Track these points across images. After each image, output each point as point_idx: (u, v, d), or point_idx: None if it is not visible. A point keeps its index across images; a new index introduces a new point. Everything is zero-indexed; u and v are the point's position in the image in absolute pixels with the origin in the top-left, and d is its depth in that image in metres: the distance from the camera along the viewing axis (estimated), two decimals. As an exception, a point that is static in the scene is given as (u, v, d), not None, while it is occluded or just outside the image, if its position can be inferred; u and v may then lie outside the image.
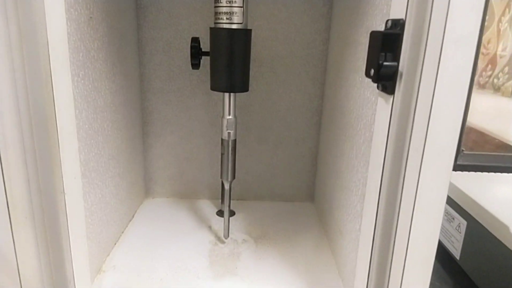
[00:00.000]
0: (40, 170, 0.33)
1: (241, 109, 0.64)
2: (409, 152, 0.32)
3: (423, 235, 0.33)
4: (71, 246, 0.38)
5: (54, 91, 0.34)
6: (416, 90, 0.31)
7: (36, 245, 0.36)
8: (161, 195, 0.70)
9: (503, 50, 1.74)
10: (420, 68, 0.30)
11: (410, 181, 0.32)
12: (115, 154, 0.53)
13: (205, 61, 0.59)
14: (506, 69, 1.70)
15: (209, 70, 0.61)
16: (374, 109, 0.38)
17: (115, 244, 0.55)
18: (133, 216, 0.63)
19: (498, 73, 1.74)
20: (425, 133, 0.31)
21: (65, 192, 0.35)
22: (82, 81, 0.41)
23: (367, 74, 0.34)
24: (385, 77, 0.32)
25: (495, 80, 1.76)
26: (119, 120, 0.54)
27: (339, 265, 0.50)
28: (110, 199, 0.51)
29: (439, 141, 0.31)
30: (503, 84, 1.72)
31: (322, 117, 0.64)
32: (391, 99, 0.33)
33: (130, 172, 0.60)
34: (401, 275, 0.35)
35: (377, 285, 0.37)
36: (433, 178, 0.32)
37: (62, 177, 0.34)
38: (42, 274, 0.38)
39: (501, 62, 1.71)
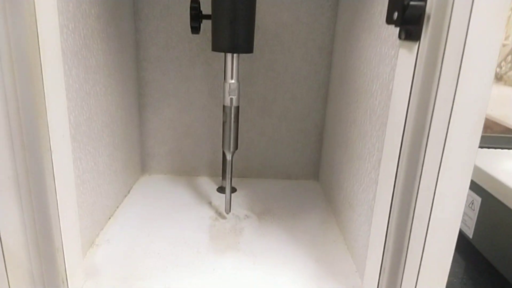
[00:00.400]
0: (24, 124, 0.30)
1: (243, 79, 0.60)
2: (435, 106, 0.29)
3: (448, 198, 0.30)
4: (60, 213, 0.34)
5: (39, 37, 0.30)
6: (445, 35, 0.27)
7: (21, 210, 0.32)
8: (158, 171, 0.66)
9: (506, 39, 1.71)
10: (450, 8, 0.27)
11: (435, 139, 0.29)
12: (109, 122, 0.49)
13: (206, 26, 0.56)
14: (509, 58, 1.67)
15: (210, 37, 0.57)
16: (394, 63, 0.34)
17: (109, 218, 0.51)
18: (128, 192, 0.59)
19: (501, 62, 1.71)
20: (455, 84, 0.28)
21: (52, 149, 0.31)
22: (72, 34, 0.37)
23: (389, 19, 0.30)
24: (411, 20, 0.28)
25: (498, 69, 1.73)
26: (113, 86, 0.50)
27: (348, 240, 0.47)
28: (104, 169, 0.48)
29: (469, 93, 0.27)
30: (505, 73, 1.69)
31: (329, 89, 0.61)
32: (416, 46, 0.29)
33: (125, 144, 0.56)
34: (422, 242, 0.32)
35: (394, 256, 0.34)
36: (461, 136, 0.28)
37: (49, 132, 0.31)
38: (28, 243, 0.35)
39: (503, 51, 1.68)
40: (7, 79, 0.28)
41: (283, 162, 0.66)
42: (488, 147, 0.99)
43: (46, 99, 0.30)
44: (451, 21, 0.27)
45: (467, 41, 0.27)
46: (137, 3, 0.57)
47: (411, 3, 0.28)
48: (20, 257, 0.34)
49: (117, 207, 0.55)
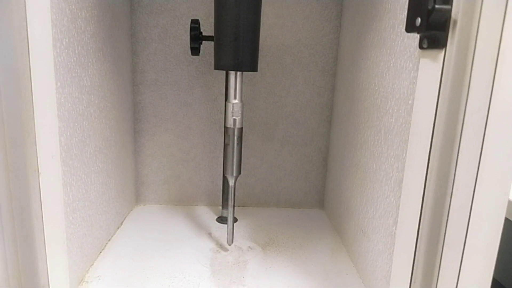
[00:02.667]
0: (8, 140, 0.26)
1: (245, 103, 0.58)
2: (465, 119, 0.26)
3: (484, 220, 0.27)
4: (47, 246, 0.30)
5: (29, 46, 0.27)
6: (474, 41, 0.25)
7: (2, 241, 0.28)
8: (154, 201, 0.62)
9: None
10: (478, 11, 0.25)
11: (468, 154, 0.26)
12: (103, 147, 0.46)
13: (206, 48, 0.54)
14: None
15: (209, 60, 0.56)
16: (413, 76, 0.32)
17: (100, 252, 0.47)
18: (121, 223, 0.55)
19: None
20: (489, 94, 0.25)
21: (39, 171, 0.28)
22: (66, 50, 0.35)
23: (410, 26, 0.28)
24: (436, 25, 0.26)
25: None
26: (108, 108, 0.47)
27: (364, 272, 0.43)
28: (95, 198, 0.44)
29: (507, 102, 0.25)
30: None
31: (333, 111, 0.59)
32: (442, 54, 0.27)
33: (119, 171, 0.53)
34: (456, 274, 0.28)
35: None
36: (498, 150, 0.26)
37: (36, 151, 0.27)
38: (9, 282, 0.30)
39: None
40: (-9, 90, 0.25)
41: (285, 189, 0.63)
42: None
43: (34, 115, 0.27)
44: (480, 25, 0.25)
45: (501, 47, 0.24)
46: (135, 25, 0.55)
47: (436, 6, 0.26)
48: (-3, 298, 0.30)
49: (109, 239, 0.50)
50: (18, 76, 0.27)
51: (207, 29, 0.55)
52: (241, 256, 0.48)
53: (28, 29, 0.28)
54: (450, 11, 0.26)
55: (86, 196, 0.41)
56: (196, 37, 0.49)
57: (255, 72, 0.56)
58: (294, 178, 0.62)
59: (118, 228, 0.54)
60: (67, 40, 0.35)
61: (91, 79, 0.41)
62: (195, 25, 0.49)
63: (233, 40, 0.41)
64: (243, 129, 0.58)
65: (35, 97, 0.28)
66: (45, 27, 0.30)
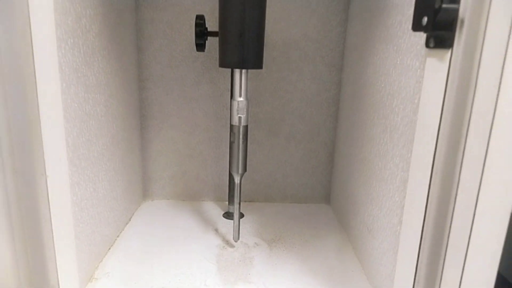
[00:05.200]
0: (16, 145, 0.26)
1: (250, 99, 0.58)
2: (471, 119, 0.26)
3: (489, 221, 0.27)
4: (55, 244, 0.31)
5: (33, 47, 0.27)
6: (481, 41, 0.25)
7: (12, 243, 0.29)
8: (161, 196, 0.63)
9: None
10: (486, 11, 0.24)
11: (474, 155, 0.26)
12: (110, 145, 0.46)
13: (211, 44, 0.54)
14: None
15: (215, 55, 0.55)
16: (419, 75, 0.32)
17: (109, 248, 0.48)
18: (129, 219, 0.56)
19: None
20: (495, 94, 0.25)
21: (47, 174, 0.28)
22: (71, 50, 0.35)
23: (417, 25, 0.28)
24: (443, 25, 0.26)
25: None
26: (114, 106, 0.47)
27: (369, 270, 0.43)
28: (103, 195, 0.45)
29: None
30: None
31: (339, 107, 0.58)
32: (449, 54, 0.27)
33: (127, 168, 0.53)
34: (459, 274, 0.28)
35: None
36: (504, 149, 0.25)
37: (44, 156, 0.28)
38: (20, 280, 0.31)
39: None
40: (-3, 95, 0.25)
41: (292, 184, 0.63)
42: None
43: (40, 118, 0.28)
44: (488, 25, 0.25)
45: (509, 48, 0.24)
46: (140, 21, 0.55)
47: (443, 5, 0.25)
48: (8, 296, 0.30)
49: (118, 236, 0.51)
50: (23, 79, 0.27)
51: (212, 24, 0.54)
52: (247, 252, 0.48)
53: (32, 31, 0.29)
54: (457, 10, 0.25)
55: (94, 194, 0.42)
56: (201, 33, 0.49)
57: (261, 69, 0.56)
58: (300, 173, 0.62)
59: (126, 224, 0.54)
60: (72, 40, 0.35)
61: (96, 78, 0.41)
62: (200, 21, 0.49)
63: (237, 38, 0.40)
64: (249, 125, 0.58)
65: (41, 100, 0.28)
66: (49, 28, 0.30)
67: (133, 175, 0.57)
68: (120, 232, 0.52)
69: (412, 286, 0.32)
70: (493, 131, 0.25)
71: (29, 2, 0.27)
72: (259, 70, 0.56)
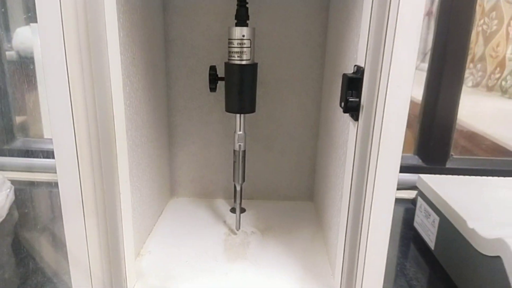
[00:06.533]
0: (105, 177, 0.46)
1: (251, 123, 0.77)
2: (370, 159, 0.44)
3: (379, 224, 0.45)
4: (124, 235, 0.51)
5: (114, 117, 0.47)
6: (373, 118, 0.43)
7: (98, 234, 0.49)
8: (184, 195, 0.83)
9: None
10: (375, 103, 0.42)
11: (370, 180, 0.44)
12: (149, 162, 0.66)
13: (221, 84, 0.72)
14: None
15: (224, 92, 0.74)
16: (348, 130, 0.50)
17: (149, 234, 0.68)
18: (161, 212, 0.76)
19: (506, 75, 1.82)
20: (378, 144, 0.43)
21: (120, 192, 0.48)
22: (129, 108, 0.54)
23: (340, 105, 0.46)
24: (351, 109, 0.44)
25: (503, 83, 1.84)
26: (152, 134, 0.67)
27: (329, 254, 0.62)
28: (145, 198, 0.65)
29: (389, 151, 0.42)
30: (510, 86, 1.80)
31: (319, 129, 0.77)
32: (357, 124, 0.45)
33: (160, 176, 0.73)
34: (362, 266, 0.47)
35: (350, 255, 0.49)
36: (386, 175, 0.43)
37: (119, 181, 0.48)
38: (102, 255, 0.51)
39: (509, 65, 1.79)
40: (94, 150, 0.45)
41: (283, 186, 0.81)
42: (471, 168, 1.12)
43: (118, 160, 0.47)
44: (376, 109, 0.42)
45: (383, 122, 0.42)
46: (168, 67, 0.74)
47: (350, 99, 0.43)
48: (95, 266, 0.50)
49: (154, 225, 0.71)
50: (108, 134, 0.47)
51: (223, 69, 0.73)
52: (246, 238, 0.67)
53: (113, 102, 0.47)
54: (359, 101, 0.43)
55: (140, 198, 0.62)
56: (213, 80, 0.67)
57: (259, 99, 0.75)
58: (290, 178, 0.81)
59: (159, 216, 0.74)
60: (129, 101, 0.54)
61: (142, 119, 0.61)
62: (212, 71, 0.67)
63: (237, 93, 0.59)
64: (250, 142, 0.77)
65: (117, 145, 0.48)
66: (119, 99, 0.49)
67: (164, 180, 0.77)
68: (156, 222, 0.72)
69: (342, 253, 0.50)
70: (378, 165, 0.43)
71: (112, 87, 0.46)
72: (258, 103, 0.75)
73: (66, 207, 0.47)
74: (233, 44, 0.58)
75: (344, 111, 0.45)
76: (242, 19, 0.57)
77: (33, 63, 1.16)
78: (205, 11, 0.71)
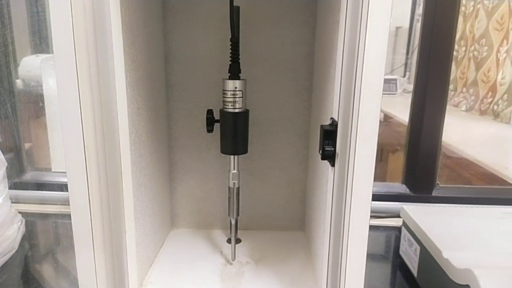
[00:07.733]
0: (112, 217, 0.52)
1: (246, 158, 0.83)
2: (346, 198, 0.50)
3: (356, 254, 0.51)
4: (128, 268, 0.57)
5: (121, 163, 0.53)
6: (347, 164, 0.49)
7: (105, 267, 0.55)
8: (184, 226, 0.89)
9: (503, 78, 1.90)
10: (348, 152, 0.49)
11: (347, 216, 0.50)
12: (151, 198, 0.72)
13: (217, 126, 0.79)
14: (506, 96, 1.86)
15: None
16: (328, 172, 0.56)
17: (151, 265, 0.73)
18: (163, 243, 0.82)
19: (498, 100, 1.89)
20: (351, 187, 0.49)
21: (126, 230, 0.54)
22: (134, 153, 0.61)
23: (319, 152, 0.52)
24: (328, 156, 0.51)
25: (495, 107, 1.91)
26: (154, 173, 0.73)
27: (317, 283, 0.68)
28: (148, 231, 0.71)
29: (360, 190, 0.48)
30: (502, 110, 1.87)
31: (308, 165, 0.83)
32: (334, 169, 0.51)
33: (161, 209, 0.79)
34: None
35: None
36: (359, 210, 0.49)
37: (125, 220, 0.54)
38: (109, 287, 0.57)
39: (501, 90, 1.87)
40: (104, 193, 0.51)
41: (276, 217, 0.87)
42: (456, 197, 1.18)
43: (124, 201, 0.53)
44: (349, 157, 0.49)
45: (355, 167, 0.48)
46: (169, 109, 0.81)
47: (326, 148, 0.50)
48: (103, 293, 0.56)
49: (156, 256, 0.77)
50: (116, 178, 0.53)
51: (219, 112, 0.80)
52: (241, 268, 0.73)
53: (121, 148, 0.54)
54: (334, 150, 0.50)
55: (143, 232, 0.68)
56: (210, 123, 0.74)
57: (253, 137, 0.81)
58: (283, 209, 0.87)
59: (160, 247, 0.80)
60: (134, 147, 0.61)
61: (145, 160, 0.67)
62: (209, 115, 0.74)
63: (231, 138, 0.66)
64: (245, 176, 0.83)
65: (124, 187, 0.54)
66: (126, 145, 0.56)
67: (165, 213, 0.83)
68: (157, 253, 0.78)
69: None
70: (352, 200, 0.49)
71: (119, 133, 0.53)
72: (251, 139, 0.82)
73: (78, 243, 0.53)
74: (227, 94, 0.65)
75: (322, 158, 0.51)
76: (234, 73, 0.64)
77: (41, 95, 1.22)
78: (203, 61, 0.79)
